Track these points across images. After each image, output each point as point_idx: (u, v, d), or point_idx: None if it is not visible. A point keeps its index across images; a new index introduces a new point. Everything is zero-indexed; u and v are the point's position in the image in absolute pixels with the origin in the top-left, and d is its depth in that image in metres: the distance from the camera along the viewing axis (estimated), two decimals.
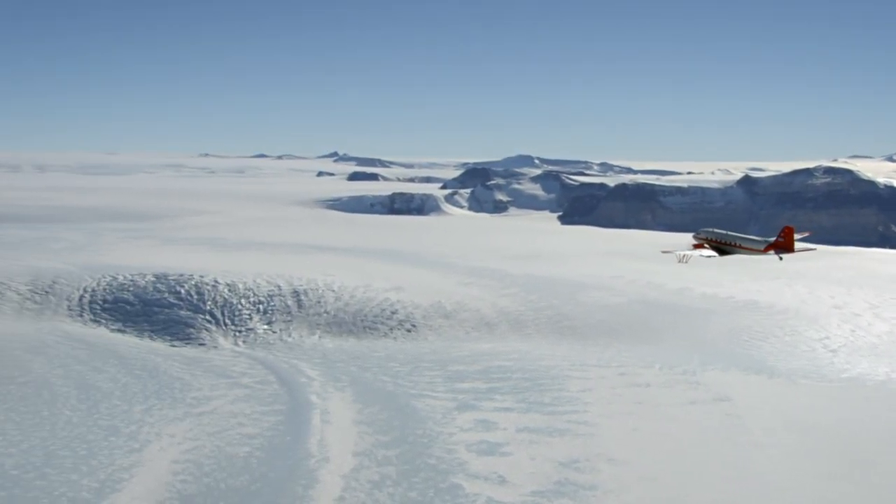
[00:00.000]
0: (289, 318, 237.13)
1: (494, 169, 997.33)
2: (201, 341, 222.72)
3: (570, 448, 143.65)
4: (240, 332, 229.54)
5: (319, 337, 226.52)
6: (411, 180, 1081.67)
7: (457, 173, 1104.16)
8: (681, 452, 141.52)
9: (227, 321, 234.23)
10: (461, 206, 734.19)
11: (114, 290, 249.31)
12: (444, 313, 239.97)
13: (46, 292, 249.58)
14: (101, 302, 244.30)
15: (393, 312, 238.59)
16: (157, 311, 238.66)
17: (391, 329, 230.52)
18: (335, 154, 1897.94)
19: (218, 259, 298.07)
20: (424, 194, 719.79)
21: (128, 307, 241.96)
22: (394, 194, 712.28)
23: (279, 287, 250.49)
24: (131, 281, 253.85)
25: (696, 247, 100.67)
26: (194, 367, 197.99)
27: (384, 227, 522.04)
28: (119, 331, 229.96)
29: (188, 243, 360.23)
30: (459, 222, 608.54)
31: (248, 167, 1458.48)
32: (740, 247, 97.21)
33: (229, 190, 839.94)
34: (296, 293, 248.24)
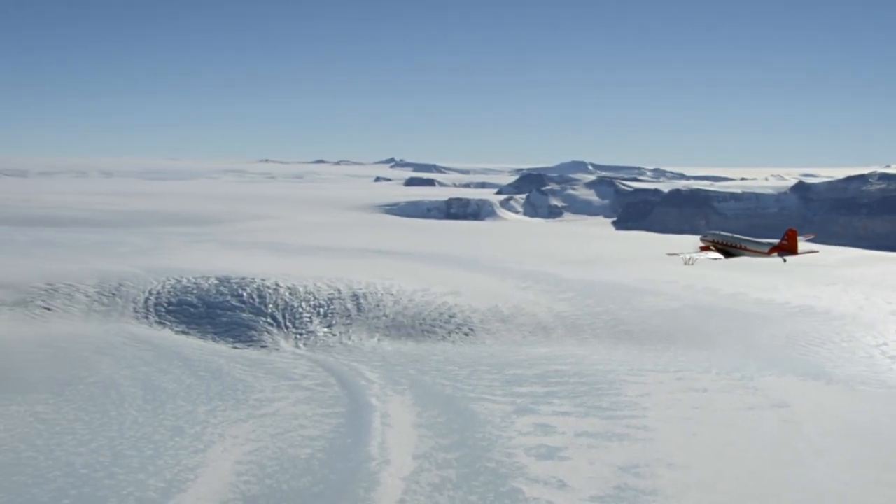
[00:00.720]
0: (348, 321, 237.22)
1: (549, 175, 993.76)
2: (263, 343, 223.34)
3: (629, 453, 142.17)
4: (300, 334, 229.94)
5: (378, 340, 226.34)
6: (467, 186, 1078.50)
7: (511, 179, 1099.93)
8: (740, 458, 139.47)
9: (288, 324, 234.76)
10: (517, 212, 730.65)
11: (178, 293, 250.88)
12: (502, 317, 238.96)
13: (113, 294, 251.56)
14: (165, 304, 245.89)
15: (451, 316, 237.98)
16: (219, 314, 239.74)
17: (449, 333, 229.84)
18: (392, 160, 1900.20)
19: (279, 263, 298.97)
20: (480, 199, 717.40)
21: (191, 309, 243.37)
22: (450, 199, 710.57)
23: (339, 291, 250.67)
24: (195, 284, 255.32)
25: (703, 249, 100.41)
26: (256, 368, 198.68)
27: (441, 231, 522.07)
28: (183, 332, 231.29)
29: (249, 247, 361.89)
30: (515, 227, 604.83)
31: (307, 172, 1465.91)
32: (745, 249, 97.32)
33: (289, 195, 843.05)
34: (355, 297, 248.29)
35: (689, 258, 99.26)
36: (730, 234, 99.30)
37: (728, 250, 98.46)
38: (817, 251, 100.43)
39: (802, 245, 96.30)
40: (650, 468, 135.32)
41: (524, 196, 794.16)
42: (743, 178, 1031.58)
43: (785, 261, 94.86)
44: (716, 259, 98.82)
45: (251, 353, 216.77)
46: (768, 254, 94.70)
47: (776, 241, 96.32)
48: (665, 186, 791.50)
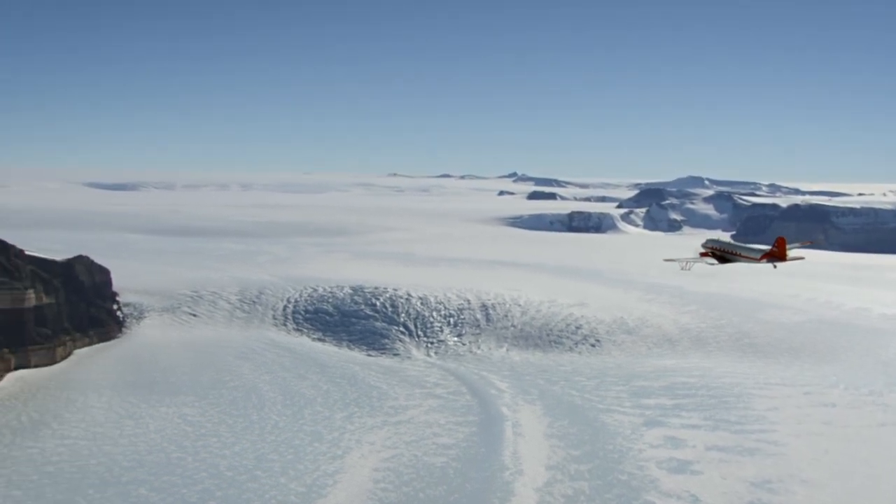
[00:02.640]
0: (478, 330, 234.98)
1: (668, 189, 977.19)
2: (396, 352, 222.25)
3: (761, 468, 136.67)
4: (432, 343, 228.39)
5: (507, 350, 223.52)
6: (587, 199, 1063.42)
7: (629, 193, 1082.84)
8: (874, 476, 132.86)
9: (419, 333, 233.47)
10: (637, 225, 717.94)
11: (314, 301, 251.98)
12: (627, 329, 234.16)
13: (254, 302, 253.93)
14: (303, 312, 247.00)
15: (577, 327, 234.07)
16: (354, 322, 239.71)
17: (576, 343, 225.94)
18: (514, 174, 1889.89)
19: (409, 273, 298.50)
20: (601, 213, 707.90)
21: (327, 317, 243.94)
22: (572, 213, 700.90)
23: (468, 301, 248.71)
24: (330, 293, 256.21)
25: (703, 255, 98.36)
26: (390, 376, 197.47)
27: (564, 244, 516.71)
28: (319, 340, 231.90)
29: (381, 257, 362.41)
30: (636, 240, 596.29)
31: (434, 186, 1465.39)
32: (740, 255, 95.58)
33: (416, 207, 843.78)
34: (484, 307, 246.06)
35: (686, 263, 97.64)
36: (726, 242, 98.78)
37: (724, 256, 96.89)
38: (803, 257, 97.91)
39: (791, 252, 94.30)
40: (783, 484, 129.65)
41: (644, 210, 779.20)
42: (860, 194, 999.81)
43: (775, 266, 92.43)
44: (712, 265, 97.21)
45: (384, 360, 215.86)
46: (759, 260, 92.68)
47: (767, 247, 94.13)
48: (782, 201, 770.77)
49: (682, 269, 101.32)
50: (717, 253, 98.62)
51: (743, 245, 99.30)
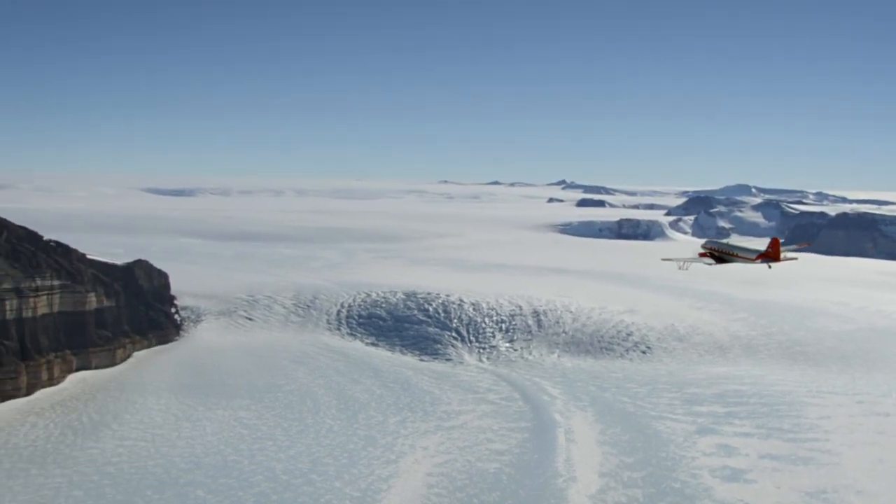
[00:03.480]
0: (529, 336, 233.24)
1: (716, 197, 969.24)
2: (448, 357, 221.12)
3: (816, 478, 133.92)
4: (484, 349, 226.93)
5: (558, 356, 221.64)
6: (635, 207, 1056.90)
7: (677, 201, 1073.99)
8: None
9: (472, 338, 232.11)
10: (685, 232, 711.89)
11: (368, 307, 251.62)
12: (678, 336, 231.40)
13: (308, 306, 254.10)
14: (356, 317, 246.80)
15: (628, 334, 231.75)
16: (407, 327, 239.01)
17: (627, 350, 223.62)
18: (563, 182, 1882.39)
19: (461, 279, 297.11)
20: (650, 220, 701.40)
21: (381, 322, 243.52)
22: (621, 220, 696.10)
23: (520, 307, 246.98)
24: (383, 298, 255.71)
25: (702, 255, 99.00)
26: (443, 381, 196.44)
27: (614, 251, 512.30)
28: (373, 344, 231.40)
29: (433, 263, 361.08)
30: (685, 247, 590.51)
31: (484, 193, 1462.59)
32: (736, 256, 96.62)
33: (467, 214, 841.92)
34: (536, 313, 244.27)
35: (684, 263, 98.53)
36: (724, 243, 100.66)
37: (722, 256, 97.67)
38: (796, 258, 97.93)
39: (785, 253, 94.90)
40: (839, 495, 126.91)
41: (692, 217, 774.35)
42: None
43: (770, 266, 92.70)
44: (710, 264, 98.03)
45: (437, 365, 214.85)
46: (754, 260, 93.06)
47: (762, 248, 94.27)
48: (829, 209, 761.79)
49: (680, 268, 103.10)
50: (715, 253, 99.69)
51: (739, 245, 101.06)
